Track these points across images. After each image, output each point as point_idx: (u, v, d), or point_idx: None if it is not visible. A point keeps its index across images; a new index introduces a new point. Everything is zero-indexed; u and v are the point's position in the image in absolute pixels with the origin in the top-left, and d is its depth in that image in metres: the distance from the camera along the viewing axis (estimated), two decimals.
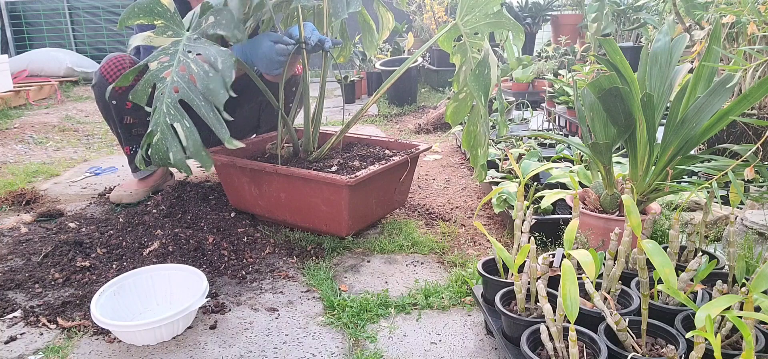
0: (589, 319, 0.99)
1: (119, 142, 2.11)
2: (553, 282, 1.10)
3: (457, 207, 2.03)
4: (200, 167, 1.46)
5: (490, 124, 2.79)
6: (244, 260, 1.58)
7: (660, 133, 1.29)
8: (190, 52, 1.41)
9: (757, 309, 0.82)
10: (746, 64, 1.33)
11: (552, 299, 1.04)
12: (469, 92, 1.67)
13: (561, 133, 2.90)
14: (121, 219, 1.82)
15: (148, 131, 1.39)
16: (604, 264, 1.10)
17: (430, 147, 1.86)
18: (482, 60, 1.48)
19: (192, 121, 1.41)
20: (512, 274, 1.11)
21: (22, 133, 3.39)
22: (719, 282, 0.99)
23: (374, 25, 1.98)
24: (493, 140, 2.39)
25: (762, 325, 0.95)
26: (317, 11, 1.84)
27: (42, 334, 1.26)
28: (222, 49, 1.40)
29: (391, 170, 1.73)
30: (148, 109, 1.46)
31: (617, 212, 1.38)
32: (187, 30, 1.47)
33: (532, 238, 1.08)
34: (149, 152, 1.40)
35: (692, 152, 1.34)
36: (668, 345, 0.93)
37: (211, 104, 1.36)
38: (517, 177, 1.89)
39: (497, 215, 1.84)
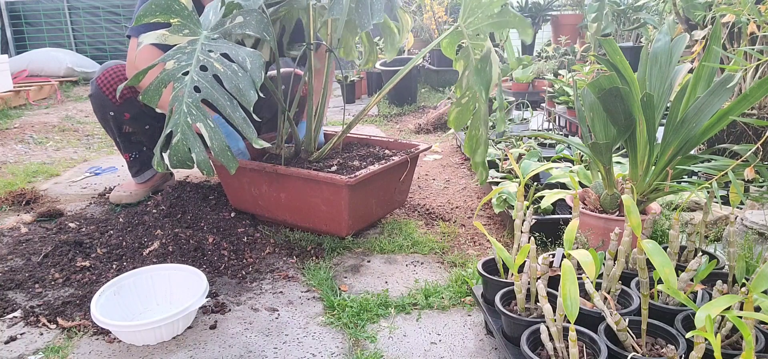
0: (589, 319, 0.99)
1: (118, 148, 2.12)
2: (553, 282, 1.10)
3: (457, 207, 2.03)
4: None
5: (490, 124, 2.79)
6: (244, 260, 1.58)
7: (660, 133, 1.29)
8: (211, 51, 1.39)
9: (757, 309, 0.82)
10: (746, 64, 1.33)
11: (552, 299, 1.04)
12: (472, 95, 1.67)
13: (561, 133, 2.90)
14: (121, 219, 1.82)
15: (167, 132, 1.36)
16: (604, 264, 1.10)
17: (430, 147, 1.86)
18: (484, 56, 1.48)
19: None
20: (512, 274, 1.11)
21: (22, 133, 3.39)
22: (719, 282, 0.99)
23: (396, 28, 1.96)
24: (493, 140, 2.39)
25: (762, 325, 0.95)
26: (321, 13, 1.83)
27: (42, 334, 1.26)
28: (250, 50, 1.39)
29: (391, 170, 1.73)
30: (159, 110, 1.42)
31: (617, 212, 1.38)
32: (206, 29, 1.45)
33: (532, 238, 1.08)
34: (168, 154, 1.36)
35: (692, 152, 1.34)
36: (668, 345, 0.93)
37: (237, 104, 1.35)
38: (517, 177, 1.89)
39: (497, 215, 1.84)
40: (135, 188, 2.11)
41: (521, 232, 1.18)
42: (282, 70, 2.17)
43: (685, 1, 2.18)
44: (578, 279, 0.94)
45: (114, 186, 2.24)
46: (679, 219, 1.09)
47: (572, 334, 0.84)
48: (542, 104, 3.35)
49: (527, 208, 1.20)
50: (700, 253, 1.15)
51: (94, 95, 1.96)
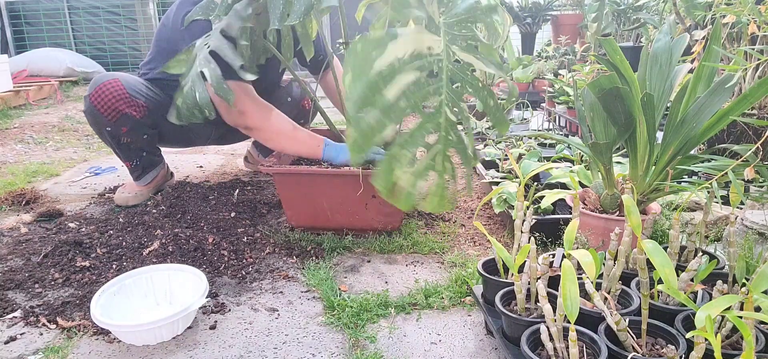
0: (589, 319, 0.99)
1: (118, 157, 2.07)
2: (553, 282, 1.10)
3: (457, 207, 2.03)
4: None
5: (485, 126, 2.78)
6: (244, 260, 1.58)
7: (660, 133, 1.29)
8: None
9: (757, 309, 0.82)
10: (746, 64, 1.33)
11: (552, 299, 1.04)
12: None
13: (561, 133, 2.90)
14: (121, 219, 1.82)
15: (181, 87, 1.51)
16: (604, 264, 1.10)
17: None
18: None
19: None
20: (512, 274, 1.11)
21: (22, 133, 3.39)
22: (719, 282, 0.99)
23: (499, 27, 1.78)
24: (493, 140, 2.39)
25: (762, 325, 0.95)
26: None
27: (42, 334, 1.26)
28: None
29: (337, 178, 1.67)
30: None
31: (617, 212, 1.38)
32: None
33: (532, 238, 1.08)
34: (179, 103, 1.51)
35: (692, 152, 1.34)
36: (668, 345, 0.93)
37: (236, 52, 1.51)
38: (517, 177, 1.89)
39: (497, 215, 1.84)
40: (138, 189, 2.10)
41: (521, 232, 1.18)
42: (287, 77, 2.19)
43: (685, 1, 2.18)
44: (578, 279, 0.94)
45: (115, 186, 2.24)
46: (679, 219, 1.09)
47: (572, 334, 0.84)
48: (542, 104, 3.35)
49: (527, 208, 1.20)
50: (701, 253, 1.15)
51: (88, 111, 1.89)
